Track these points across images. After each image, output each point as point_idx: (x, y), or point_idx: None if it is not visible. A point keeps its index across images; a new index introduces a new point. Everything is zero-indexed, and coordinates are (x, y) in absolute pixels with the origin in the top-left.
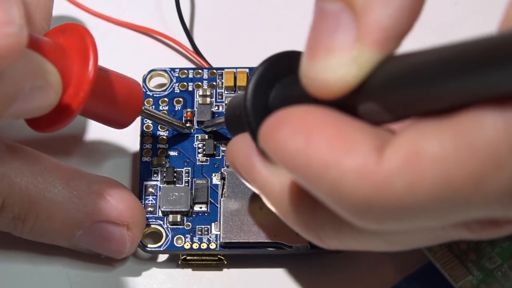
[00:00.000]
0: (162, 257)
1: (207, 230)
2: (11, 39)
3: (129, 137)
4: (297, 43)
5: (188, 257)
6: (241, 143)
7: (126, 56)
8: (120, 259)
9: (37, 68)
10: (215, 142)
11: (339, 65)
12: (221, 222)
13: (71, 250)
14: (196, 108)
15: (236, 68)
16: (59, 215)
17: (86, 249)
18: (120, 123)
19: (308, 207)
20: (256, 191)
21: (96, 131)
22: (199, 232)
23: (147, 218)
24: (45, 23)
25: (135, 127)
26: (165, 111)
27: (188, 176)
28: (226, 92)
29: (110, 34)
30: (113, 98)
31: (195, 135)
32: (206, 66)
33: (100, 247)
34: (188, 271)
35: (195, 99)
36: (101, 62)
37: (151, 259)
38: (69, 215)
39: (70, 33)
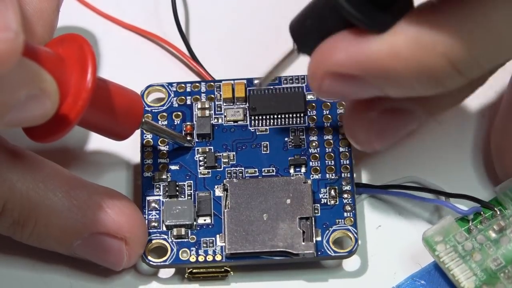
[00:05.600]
0: (168, 273)
1: (212, 242)
2: (6, 45)
3: (129, 150)
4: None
5: (194, 270)
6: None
7: (124, 58)
8: (121, 274)
9: (33, 76)
10: (216, 154)
11: None
12: (226, 233)
13: (74, 259)
14: (195, 121)
15: (234, 80)
16: (57, 223)
17: (85, 258)
18: (120, 135)
19: None
20: (374, 71)
21: (96, 142)
22: (204, 245)
23: (151, 233)
24: (47, 35)
25: (136, 140)
26: (165, 125)
27: (191, 190)
28: (224, 104)
29: (109, 34)
30: (113, 109)
31: (196, 148)
32: (203, 72)
33: (97, 258)
34: (195, 286)
35: (194, 112)
36: (99, 62)
37: (154, 275)
38: (67, 224)
39: (69, 43)
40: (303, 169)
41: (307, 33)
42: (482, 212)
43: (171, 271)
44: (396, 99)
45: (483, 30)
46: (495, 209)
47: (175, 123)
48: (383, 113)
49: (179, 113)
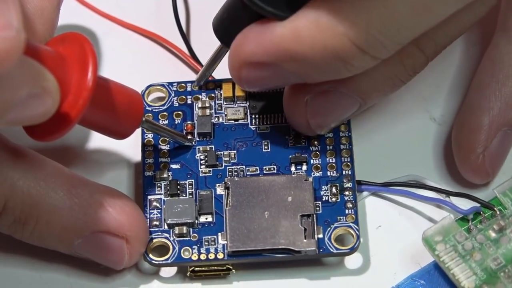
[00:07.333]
0: (169, 272)
1: (214, 240)
2: (8, 43)
3: (130, 149)
4: None
5: (196, 269)
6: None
7: (124, 58)
8: (122, 273)
9: (34, 75)
10: (217, 153)
11: None
12: (228, 231)
13: (74, 258)
14: (196, 120)
15: None
16: (58, 221)
17: (86, 256)
18: (121, 134)
19: None
20: (282, 54)
21: (97, 141)
22: (206, 243)
23: (153, 232)
24: (48, 34)
25: (137, 139)
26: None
27: (192, 188)
28: (225, 103)
29: (109, 34)
30: (113, 107)
31: (197, 147)
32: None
33: (99, 257)
34: (197, 285)
35: (195, 111)
36: (99, 62)
37: (155, 274)
38: (69, 222)
39: (70, 42)
40: (304, 167)
41: (226, 28)
42: (482, 212)
43: (173, 270)
44: (325, 82)
45: (380, 8)
46: (495, 209)
47: (176, 123)
48: (317, 95)
49: (179, 112)
